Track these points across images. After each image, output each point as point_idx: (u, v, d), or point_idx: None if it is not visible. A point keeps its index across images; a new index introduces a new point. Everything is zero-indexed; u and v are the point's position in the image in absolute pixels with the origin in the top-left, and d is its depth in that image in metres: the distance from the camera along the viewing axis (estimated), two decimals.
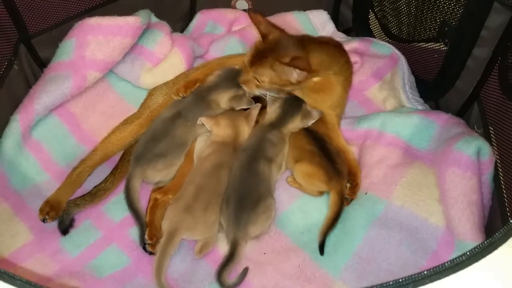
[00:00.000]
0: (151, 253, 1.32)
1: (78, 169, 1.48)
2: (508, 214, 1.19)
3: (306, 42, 1.43)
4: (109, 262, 1.32)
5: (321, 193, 1.44)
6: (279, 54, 1.35)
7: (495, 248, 0.67)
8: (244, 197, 1.31)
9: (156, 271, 1.21)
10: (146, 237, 1.33)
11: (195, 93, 1.52)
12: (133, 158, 1.43)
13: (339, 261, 1.29)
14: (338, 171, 1.39)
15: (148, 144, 1.42)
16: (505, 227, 0.70)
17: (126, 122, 1.60)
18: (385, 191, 1.38)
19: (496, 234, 0.69)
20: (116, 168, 1.50)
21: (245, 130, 1.50)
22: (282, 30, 1.45)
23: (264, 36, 1.41)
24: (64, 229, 1.36)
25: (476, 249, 0.66)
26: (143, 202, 1.41)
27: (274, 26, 1.44)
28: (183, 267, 1.31)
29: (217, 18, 2.05)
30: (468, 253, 0.66)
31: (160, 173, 1.41)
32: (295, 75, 1.37)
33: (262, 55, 1.38)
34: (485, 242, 0.68)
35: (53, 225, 1.36)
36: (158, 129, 1.45)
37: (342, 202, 1.37)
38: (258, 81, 1.41)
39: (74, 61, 1.61)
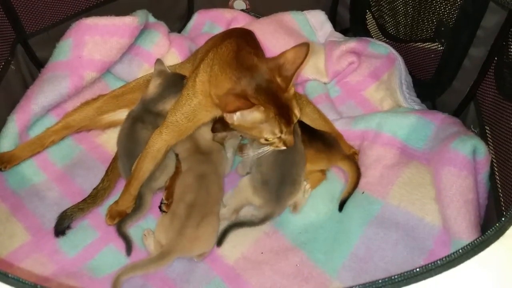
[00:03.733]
0: (163, 212, 1.38)
1: (40, 134, 1.53)
2: (504, 213, 1.18)
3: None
4: (106, 262, 1.32)
5: (324, 174, 1.49)
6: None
7: (488, 245, 0.67)
8: (285, 175, 1.36)
9: (123, 272, 1.22)
10: (163, 197, 1.41)
11: (142, 103, 1.50)
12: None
13: (336, 261, 1.29)
14: (329, 142, 1.47)
15: (130, 164, 1.40)
16: (497, 224, 0.70)
17: (93, 99, 1.61)
18: (382, 190, 1.39)
19: (489, 231, 0.69)
20: (109, 167, 1.49)
21: (201, 133, 1.46)
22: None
23: None
24: (61, 231, 1.36)
25: (469, 247, 0.66)
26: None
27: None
28: (181, 266, 1.31)
29: (215, 18, 2.05)
30: (460, 250, 0.66)
31: (161, 178, 1.42)
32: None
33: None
34: (478, 239, 0.68)
35: (50, 225, 1.36)
36: (126, 145, 1.44)
37: (355, 162, 1.46)
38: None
39: (71, 61, 1.62)
